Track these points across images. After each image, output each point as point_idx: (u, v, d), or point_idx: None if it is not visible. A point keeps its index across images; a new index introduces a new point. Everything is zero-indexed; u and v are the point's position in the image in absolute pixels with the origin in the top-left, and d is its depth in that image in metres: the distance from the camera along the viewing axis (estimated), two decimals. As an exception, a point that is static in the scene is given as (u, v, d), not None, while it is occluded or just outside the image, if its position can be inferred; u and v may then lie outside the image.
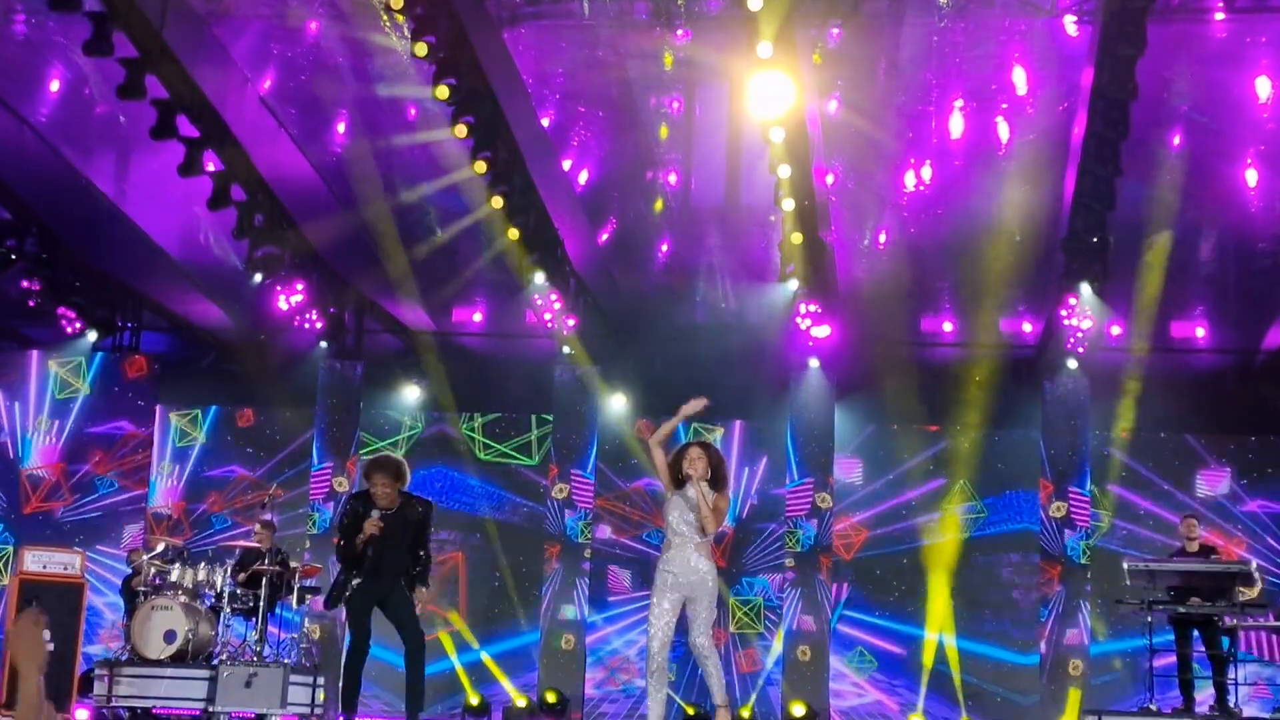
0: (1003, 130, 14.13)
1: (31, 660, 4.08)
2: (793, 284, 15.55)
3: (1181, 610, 12.06)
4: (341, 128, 14.67)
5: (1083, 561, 16.21)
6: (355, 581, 9.84)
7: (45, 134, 14.35)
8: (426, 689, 10.26)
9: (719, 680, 9.16)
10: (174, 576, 13.14)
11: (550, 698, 15.95)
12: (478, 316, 18.22)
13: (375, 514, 9.80)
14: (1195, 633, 12.23)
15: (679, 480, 9.13)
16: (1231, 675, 11.99)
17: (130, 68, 12.21)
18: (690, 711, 16.29)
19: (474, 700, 16.69)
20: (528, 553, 17.64)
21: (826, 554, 16.76)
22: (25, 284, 16.51)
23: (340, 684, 10.12)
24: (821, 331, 16.08)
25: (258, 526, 14.03)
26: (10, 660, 4.18)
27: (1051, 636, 16.11)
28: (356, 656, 9.97)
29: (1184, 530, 12.81)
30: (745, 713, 16.62)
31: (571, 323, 16.31)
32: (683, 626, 9.06)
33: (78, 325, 17.54)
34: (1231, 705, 11.97)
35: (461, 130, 12.77)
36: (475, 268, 16.71)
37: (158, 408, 18.05)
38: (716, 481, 9.08)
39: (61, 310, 17.12)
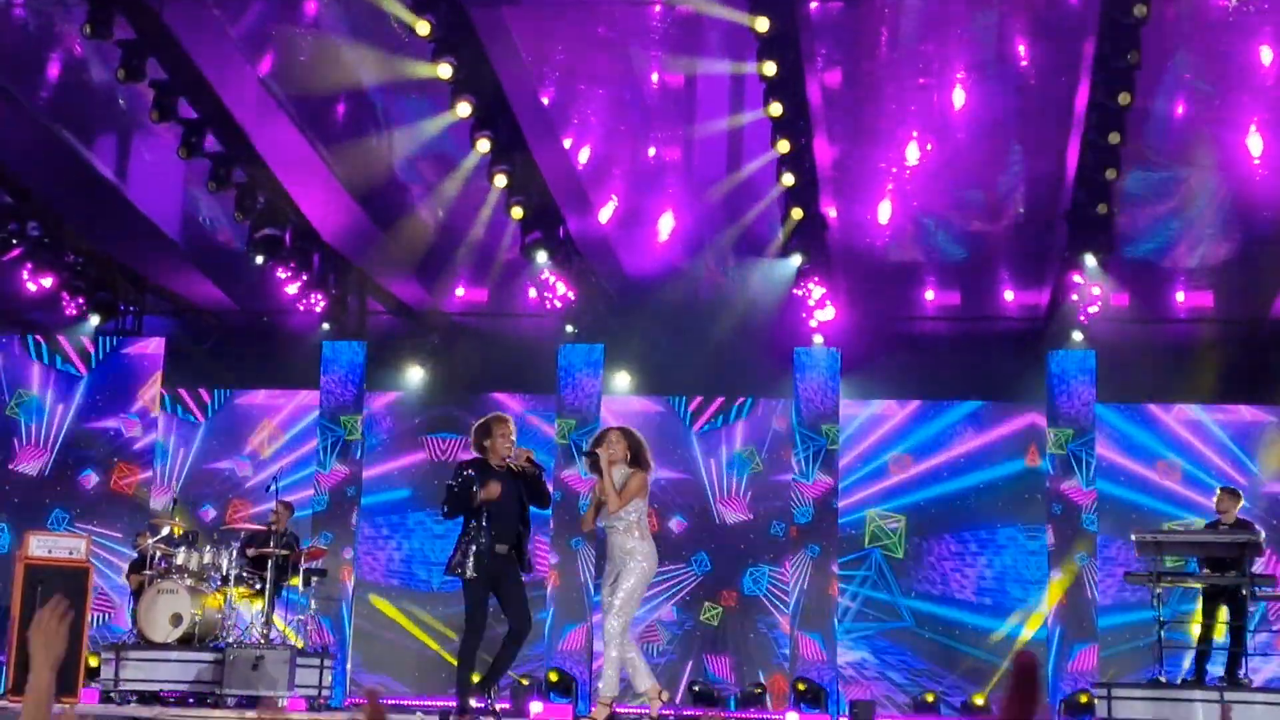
0: (1004, 102, 14.06)
1: (46, 655, 3.99)
2: (795, 259, 15.50)
3: (1192, 582, 12.09)
4: (341, 108, 14.61)
5: (1091, 532, 16.18)
6: (474, 549, 9.58)
7: (45, 118, 14.31)
8: (434, 669, 10.20)
9: (612, 673, 9.48)
10: (180, 559, 13.16)
11: (553, 676, 15.94)
12: (475, 294, 18.18)
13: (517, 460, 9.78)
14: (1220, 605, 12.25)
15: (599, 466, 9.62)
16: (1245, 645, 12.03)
17: (129, 50, 12.21)
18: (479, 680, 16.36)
19: (476, 679, 16.64)
20: (533, 532, 17.63)
21: (831, 528, 16.73)
22: (27, 268, 16.51)
23: (456, 675, 9.91)
24: (825, 307, 16.03)
25: (276, 506, 14.04)
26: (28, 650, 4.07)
27: (1059, 607, 16.08)
28: (472, 642, 9.76)
29: (1216, 504, 12.81)
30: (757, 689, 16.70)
31: (573, 301, 16.30)
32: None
33: (80, 309, 17.51)
34: (1241, 675, 12.00)
35: (465, 108, 12.74)
36: (477, 247, 16.68)
37: (160, 391, 18.00)
38: (636, 462, 9.55)
39: (63, 294, 17.10)
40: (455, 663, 9.82)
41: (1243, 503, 13.00)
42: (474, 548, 9.55)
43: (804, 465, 16.75)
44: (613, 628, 9.46)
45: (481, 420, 10.08)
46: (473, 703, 9.71)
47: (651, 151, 15.36)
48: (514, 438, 9.84)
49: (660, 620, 17.45)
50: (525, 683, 16.07)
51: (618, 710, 10.35)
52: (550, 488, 10.08)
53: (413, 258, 16.90)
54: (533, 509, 9.99)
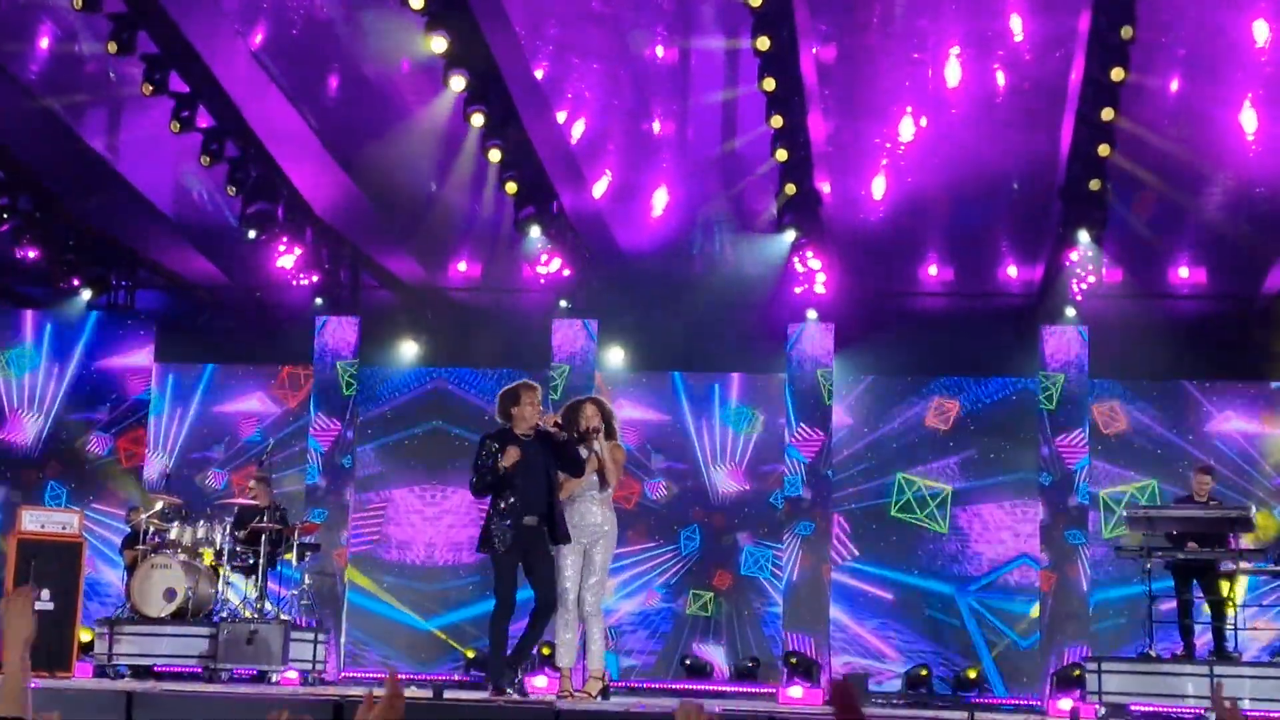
0: (999, 78, 14.03)
1: (17, 637, 3.98)
2: (789, 235, 15.49)
3: (1181, 557, 12.13)
4: (334, 82, 14.57)
5: (1083, 504, 16.20)
6: (507, 523, 9.32)
7: (36, 91, 14.26)
8: (430, 645, 10.17)
9: (599, 647, 9.50)
10: (173, 535, 13.18)
11: (545, 651, 15.97)
12: (469, 269, 18.16)
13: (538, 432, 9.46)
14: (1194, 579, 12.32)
15: (575, 437, 9.58)
16: (1230, 620, 12.07)
17: (120, 23, 12.16)
18: (470, 655, 16.52)
19: (470, 654, 16.73)
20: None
21: (824, 503, 16.75)
22: (19, 243, 16.47)
23: (489, 651, 9.67)
24: (819, 282, 16.02)
25: (251, 482, 14.09)
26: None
27: (1051, 583, 16.12)
28: (503, 616, 9.50)
29: (1195, 484, 12.86)
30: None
31: (567, 276, 16.29)
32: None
33: (72, 283, 17.49)
34: (1230, 650, 12.06)
35: (458, 83, 12.70)
36: (471, 222, 16.67)
37: (154, 365, 18.01)
38: (609, 433, 9.64)
39: (56, 269, 17.06)
40: (434, 638, 9.70)
41: (1214, 480, 13.09)
42: (504, 521, 9.33)
43: (797, 440, 16.76)
44: (594, 603, 9.57)
45: (508, 387, 9.74)
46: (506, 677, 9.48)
47: (648, 126, 15.32)
48: (541, 405, 9.61)
49: (645, 609, 17.42)
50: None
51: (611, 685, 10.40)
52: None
53: (406, 233, 16.87)
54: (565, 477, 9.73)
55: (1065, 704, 14.56)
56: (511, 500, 9.36)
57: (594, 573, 9.57)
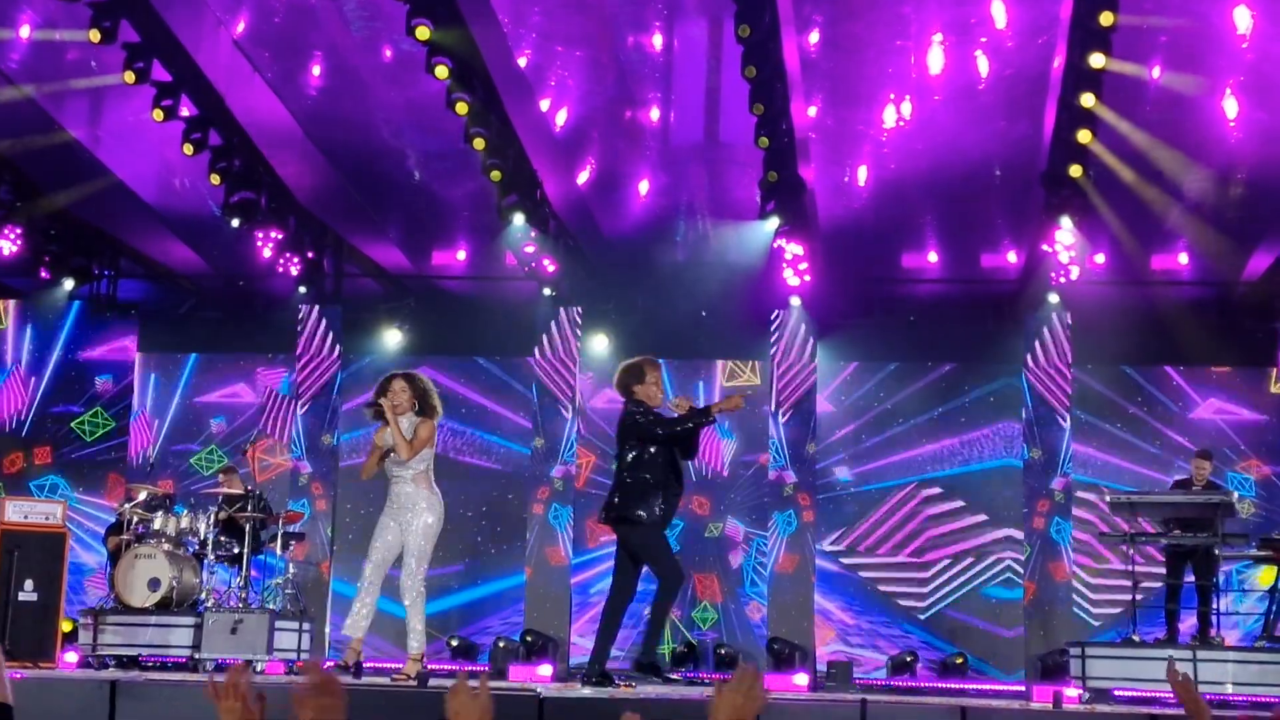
0: (982, 64, 14.03)
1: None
2: (772, 222, 15.48)
3: (1164, 542, 12.19)
4: (317, 70, 14.53)
5: (1066, 490, 16.26)
6: (667, 494, 9.09)
7: (16, 80, 14.20)
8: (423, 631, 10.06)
9: (415, 628, 9.50)
10: (157, 524, 13.15)
11: (528, 638, 15.97)
12: (461, 255, 18.14)
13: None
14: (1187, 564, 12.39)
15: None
16: (1214, 605, 12.13)
17: (99, 11, 12.11)
18: (453, 643, 16.61)
19: (454, 642, 16.74)
20: (512, 496, 17.65)
21: (808, 489, 16.78)
22: (0, 232, 16.41)
23: (599, 639, 9.37)
24: (802, 269, 16.03)
25: (221, 475, 14.12)
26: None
27: (1034, 570, 16.18)
28: (675, 594, 9.31)
29: (1194, 469, 12.95)
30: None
31: (551, 265, 16.27)
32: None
33: (54, 274, 17.43)
34: (1213, 635, 12.11)
35: (441, 71, 12.66)
36: (454, 210, 16.65)
37: (136, 355, 17.97)
38: (425, 410, 9.51)
39: (37, 258, 17.00)
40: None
41: (1213, 465, 13.16)
42: (666, 493, 9.13)
43: (780, 432, 16.79)
44: (410, 586, 9.57)
45: (631, 363, 9.49)
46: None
47: (631, 113, 15.30)
48: (664, 383, 9.40)
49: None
50: (502, 645, 16.08)
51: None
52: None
53: (389, 221, 16.84)
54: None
55: (1072, 692, 14.60)
56: (674, 474, 9.16)
57: (411, 554, 9.54)
